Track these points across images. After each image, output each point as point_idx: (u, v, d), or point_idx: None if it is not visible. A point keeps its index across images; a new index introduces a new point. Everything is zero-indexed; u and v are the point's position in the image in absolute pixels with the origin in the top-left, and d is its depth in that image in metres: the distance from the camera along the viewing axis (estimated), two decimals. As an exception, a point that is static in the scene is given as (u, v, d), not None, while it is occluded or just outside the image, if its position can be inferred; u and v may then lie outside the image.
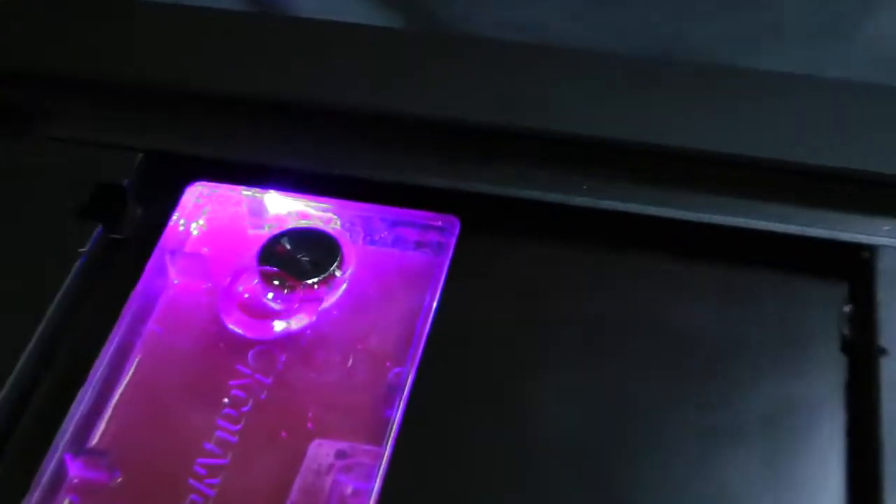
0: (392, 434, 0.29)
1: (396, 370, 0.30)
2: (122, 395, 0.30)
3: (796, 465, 0.28)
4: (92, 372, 0.30)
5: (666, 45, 0.44)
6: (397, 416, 0.29)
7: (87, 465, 0.29)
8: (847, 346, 0.30)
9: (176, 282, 0.32)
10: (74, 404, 0.29)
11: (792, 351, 0.30)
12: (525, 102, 0.34)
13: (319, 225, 0.33)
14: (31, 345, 0.30)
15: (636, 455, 0.29)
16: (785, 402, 0.30)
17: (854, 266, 0.31)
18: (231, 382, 0.30)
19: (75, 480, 0.28)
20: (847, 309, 0.31)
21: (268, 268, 0.32)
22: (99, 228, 0.33)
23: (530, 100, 0.34)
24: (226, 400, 0.30)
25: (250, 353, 0.30)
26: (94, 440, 0.29)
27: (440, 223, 0.33)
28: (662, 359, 0.31)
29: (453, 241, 0.32)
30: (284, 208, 0.34)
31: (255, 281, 0.32)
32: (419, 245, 0.33)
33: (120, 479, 0.28)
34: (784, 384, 0.30)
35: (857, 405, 0.29)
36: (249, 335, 0.31)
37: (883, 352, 0.29)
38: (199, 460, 0.28)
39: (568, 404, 0.30)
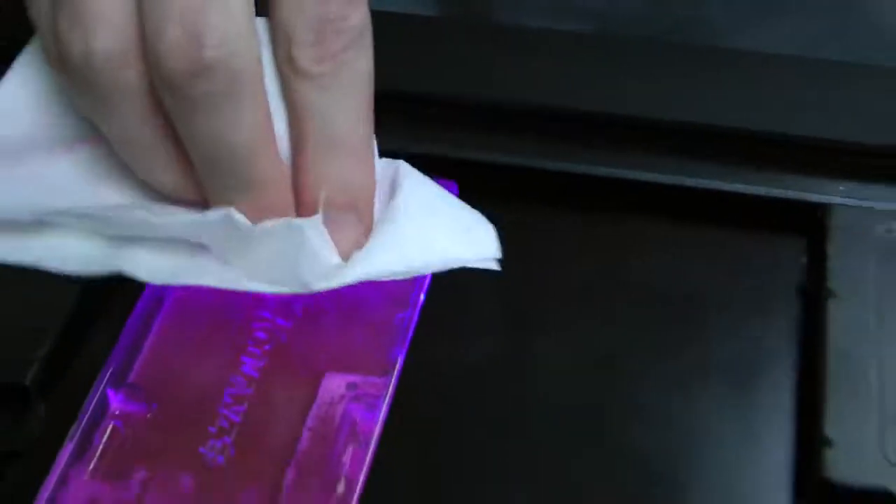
0: (396, 369, 0.33)
1: (401, 314, 0.34)
2: (157, 336, 0.34)
3: (757, 395, 0.32)
4: (130, 317, 0.34)
5: (675, 26, 0.48)
6: (401, 355, 0.33)
7: (128, 397, 0.32)
8: (803, 292, 0.34)
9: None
10: (116, 346, 0.33)
11: (757, 298, 0.34)
12: (523, 80, 0.37)
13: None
14: (78, 293, 0.34)
15: (621, 396, 0.33)
16: (750, 340, 0.33)
17: (811, 223, 0.35)
18: (254, 325, 0.34)
19: (117, 412, 0.32)
20: (804, 260, 0.35)
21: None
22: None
23: (528, 77, 0.37)
24: (250, 341, 0.33)
25: (272, 300, 0.34)
26: (133, 376, 0.33)
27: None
28: (644, 309, 0.35)
29: (454, 199, 0.36)
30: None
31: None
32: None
33: (156, 409, 0.32)
34: (749, 326, 0.34)
35: (809, 339, 0.33)
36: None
37: (832, 294, 0.32)
38: (227, 391, 0.32)
39: (557, 349, 0.34)
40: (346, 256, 0.31)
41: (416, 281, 0.34)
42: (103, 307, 0.34)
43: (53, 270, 0.31)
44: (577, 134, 0.36)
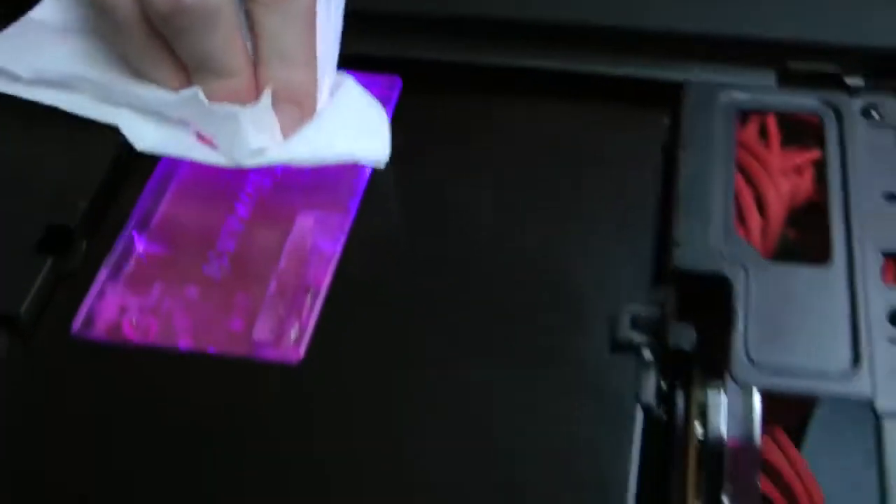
0: (352, 210, 0.42)
1: (357, 170, 0.43)
2: (171, 193, 0.44)
3: (629, 215, 0.42)
4: (150, 179, 0.44)
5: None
6: (356, 199, 0.43)
7: (149, 239, 0.42)
8: (664, 148, 0.44)
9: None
10: (140, 199, 0.43)
11: (632, 152, 0.44)
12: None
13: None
14: (111, 158, 0.43)
15: (522, 219, 0.43)
16: (625, 180, 0.43)
17: (673, 96, 0.45)
18: (245, 183, 0.44)
19: (140, 248, 0.42)
20: (666, 122, 0.44)
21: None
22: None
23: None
24: (241, 194, 0.43)
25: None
26: (154, 222, 0.43)
27: (385, 81, 0.46)
28: (544, 162, 0.44)
29: (396, 94, 0.46)
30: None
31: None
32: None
33: (170, 245, 0.42)
34: (625, 171, 0.44)
35: (667, 177, 0.43)
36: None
37: (684, 145, 0.42)
38: (224, 228, 0.42)
39: (481, 191, 0.44)
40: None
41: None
42: (130, 171, 0.44)
43: (73, 113, 0.44)
44: (493, 35, 0.46)
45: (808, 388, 0.37)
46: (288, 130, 0.42)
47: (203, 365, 0.39)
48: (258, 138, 0.42)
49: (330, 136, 0.43)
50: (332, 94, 0.44)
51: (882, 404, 0.36)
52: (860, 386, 0.37)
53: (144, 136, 0.44)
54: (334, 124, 0.43)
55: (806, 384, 0.37)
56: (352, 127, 0.43)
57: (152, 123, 0.44)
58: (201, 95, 0.41)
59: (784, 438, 0.44)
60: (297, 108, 0.43)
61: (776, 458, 0.44)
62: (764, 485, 0.43)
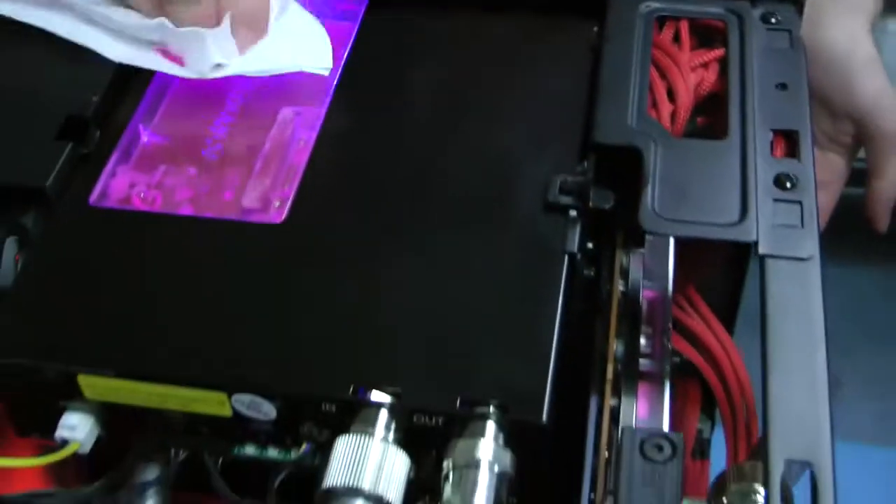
0: (326, 103, 0.50)
1: (329, 73, 0.51)
2: (171, 95, 0.51)
3: (560, 99, 0.50)
4: (152, 82, 0.51)
5: None
6: (329, 95, 0.50)
7: (153, 131, 0.50)
8: (593, 48, 0.51)
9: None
10: (144, 96, 0.50)
11: (564, 55, 0.52)
12: None
13: None
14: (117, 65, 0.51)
15: (476, 112, 0.50)
16: (555, 75, 0.51)
17: (601, 7, 0.52)
18: (234, 86, 0.51)
19: (146, 139, 0.49)
20: (595, 30, 0.52)
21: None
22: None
23: None
24: (231, 94, 0.51)
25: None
26: (157, 118, 0.50)
27: (353, -1, 0.54)
28: (490, 64, 0.52)
29: (363, 10, 0.54)
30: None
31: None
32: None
33: (171, 136, 0.49)
34: (557, 67, 0.51)
35: (594, 70, 0.50)
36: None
37: (607, 40, 0.50)
38: (217, 121, 0.49)
39: (434, 86, 0.51)
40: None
41: (339, 49, 0.51)
42: (136, 73, 0.51)
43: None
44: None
45: (703, 234, 0.44)
46: (244, 49, 0.50)
47: (201, 227, 0.46)
48: (219, 55, 0.49)
49: (279, 50, 0.50)
50: (278, 16, 0.51)
51: (763, 247, 0.44)
52: (746, 233, 0.44)
53: (116, 51, 0.51)
54: (282, 41, 0.51)
55: (702, 230, 0.44)
56: (297, 42, 0.51)
57: (123, 43, 0.51)
58: (168, 23, 0.49)
59: (697, 298, 0.51)
60: (251, 30, 0.50)
61: (695, 324, 0.51)
62: (687, 350, 0.51)
